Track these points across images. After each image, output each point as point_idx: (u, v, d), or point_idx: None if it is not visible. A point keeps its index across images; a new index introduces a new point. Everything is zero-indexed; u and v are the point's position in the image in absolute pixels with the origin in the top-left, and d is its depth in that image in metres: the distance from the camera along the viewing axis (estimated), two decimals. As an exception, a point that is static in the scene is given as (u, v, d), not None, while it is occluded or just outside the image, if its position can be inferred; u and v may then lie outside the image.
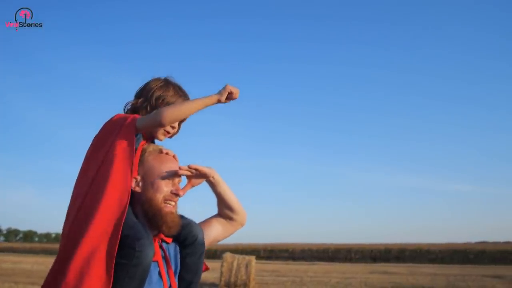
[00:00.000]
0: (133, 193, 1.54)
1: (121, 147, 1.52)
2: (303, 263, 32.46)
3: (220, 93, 1.60)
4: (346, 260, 37.78)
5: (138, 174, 1.56)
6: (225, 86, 1.61)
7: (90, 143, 1.63)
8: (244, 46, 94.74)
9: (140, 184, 1.55)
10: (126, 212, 1.46)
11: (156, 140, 1.74)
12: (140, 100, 1.68)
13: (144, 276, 1.44)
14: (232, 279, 12.34)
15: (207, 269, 1.73)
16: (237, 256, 12.99)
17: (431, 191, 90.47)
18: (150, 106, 1.67)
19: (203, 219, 1.79)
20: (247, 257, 13.04)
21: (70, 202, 1.56)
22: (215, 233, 1.75)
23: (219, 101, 1.61)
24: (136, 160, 1.56)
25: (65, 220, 1.54)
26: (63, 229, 1.53)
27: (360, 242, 43.96)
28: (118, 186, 1.48)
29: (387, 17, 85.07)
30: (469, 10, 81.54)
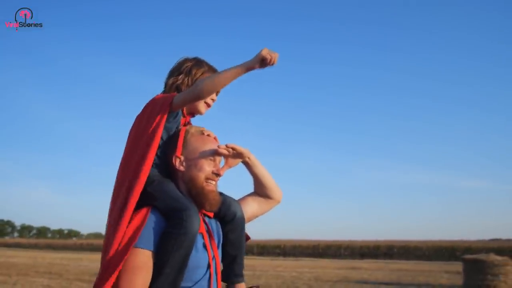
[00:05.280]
0: (177, 172, 1.66)
1: (155, 126, 1.59)
2: (288, 259, 33.24)
3: (252, 60, 1.57)
4: (336, 257, 38.48)
5: (182, 154, 1.65)
6: (260, 51, 1.55)
7: (132, 124, 1.69)
8: (252, 45, 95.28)
9: (184, 164, 1.65)
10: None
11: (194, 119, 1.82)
12: (180, 77, 1.72)
13: (191, 244, 1.53)
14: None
15: (248, 238, 1.81)
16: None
17: (424, 189, 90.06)
18: (191, 81, 1.71)
19: (240, 197, 1.86)
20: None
21: (115, 185, 1.63)
22: (252, 210, 1.83)
23: (252, 68, 1.57)
24: (180, 141, 1.66)
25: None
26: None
27: (351, 239, 44.67)
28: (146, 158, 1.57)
29: (406, 22, 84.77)
30: (471, 14, 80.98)
